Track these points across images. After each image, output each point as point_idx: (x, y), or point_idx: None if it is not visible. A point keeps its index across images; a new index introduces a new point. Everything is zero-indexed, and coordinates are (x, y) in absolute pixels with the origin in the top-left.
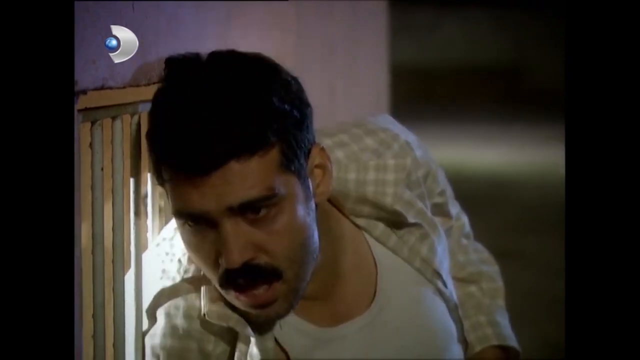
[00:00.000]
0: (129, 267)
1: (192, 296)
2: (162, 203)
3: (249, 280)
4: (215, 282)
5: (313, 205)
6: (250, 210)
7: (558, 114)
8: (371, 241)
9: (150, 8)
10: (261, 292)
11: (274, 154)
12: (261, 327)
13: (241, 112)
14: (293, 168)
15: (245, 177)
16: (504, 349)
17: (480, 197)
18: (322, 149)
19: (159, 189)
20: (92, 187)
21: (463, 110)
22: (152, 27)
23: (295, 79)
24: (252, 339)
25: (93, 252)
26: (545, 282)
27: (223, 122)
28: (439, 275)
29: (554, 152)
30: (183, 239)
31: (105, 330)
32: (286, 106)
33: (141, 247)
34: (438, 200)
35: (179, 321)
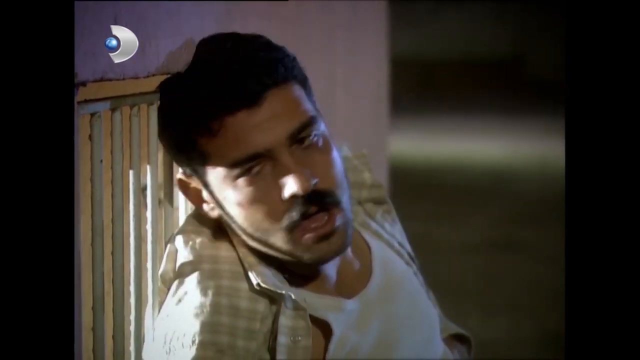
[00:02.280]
0: (129, 259)
1: (234, 276)
2: (162, 195)
3: (314, 207)
4: (282, 229)
5: None
6: (303, 138)
7: (558, 105)
8: (357, 227)
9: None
10: (324, 221)
11: (300, 87)
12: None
13: (269, 55)
14: (314, 102)
15: (289, 104)
16: (458, 338)
17: (480, 188)
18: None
19: (159, 180)
20: (92, 179)
21: (463, 101)
22: (152, 20)
23: None
24: (290, 312)
25: (92, 244)
26: (545, 273)
27: (256, 61)
28: (412, 259)
29: (554, 143)
30: (237, 199)
31: (105, 322)
32: (297, 62)
33: (141, 238)
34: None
35: (225, 300)
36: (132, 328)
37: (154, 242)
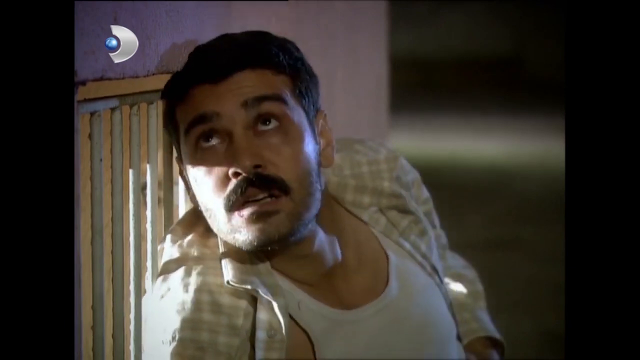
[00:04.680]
0: (129, 257)
1: (218, 273)
2: (161, 194)
3: (257, 191)
4: (221, 207)
5: (319, 152)
6: (262, 118)
7: (558, 103)
8: (379, 235)
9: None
10: (266, 201)
11: (286, 79)
12: (279, 305)
13: (259, 40)
14: (303, 104)
15: (258, 81)
16: (490, 341)
17: (480, 186)
18: (325, 116)
19: (159, 179)
20: (92, 178)
21: (463, 100)
22: (152, 19)
23: None
24: (274, 305)
25: (92, 243)
26: (545, 272)
27: (243, 43)
28: (436, 271)
29: (554, 142)
30: (193, 166)
31: (105, 321)
32: (296, 53)
33: (140, 237)
34: (424, 207)
35: (207, 297)
36: (132, 327)
37: (153, 241)
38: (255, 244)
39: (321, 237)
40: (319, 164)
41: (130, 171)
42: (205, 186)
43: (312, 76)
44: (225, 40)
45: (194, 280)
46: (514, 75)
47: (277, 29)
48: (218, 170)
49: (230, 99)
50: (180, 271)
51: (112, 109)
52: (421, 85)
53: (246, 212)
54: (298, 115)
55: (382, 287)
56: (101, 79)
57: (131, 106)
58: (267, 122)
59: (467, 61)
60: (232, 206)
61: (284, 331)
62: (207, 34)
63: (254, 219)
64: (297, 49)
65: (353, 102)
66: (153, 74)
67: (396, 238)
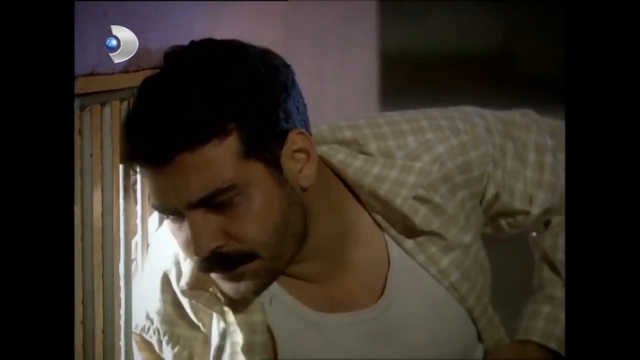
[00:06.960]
0: (119, 253)
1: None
2: None
3: (222, 266)
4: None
5: (289, 190)
6: (213, 201)
7: (552, 100)
8: (389, 240)
9: None
10: (236, 269)
11: (231, 141)
12: (247, 302)
13: (193, 103)
14: (258, 154)
15: (201, 169)
16: (543, 349)
17: None
18: (302, 133)
19: None
20: (81, 173)
21: (455, 97)
22: (142, 14)
23: (269, 66)
24: (238, 313)
25: (82, 238)
26: None
27: (175, 113)
28: (455, 289)
29: None
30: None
31: (95, 316)
32: (247, 91)
33: (130, 233)
34: (494, 207)
35: (170, 290)
36: (122, 322)
37: (143, 236)
38: (234, 299)
39: (317, 240)
40: (294, 199)
41: (121, 167)
42: (178, 240)
43: (272, 101)
44: (156, 113)
45: (160, 265)
46: (506, 71)
47: (268, 26)
48: (185, 239)
49: (176, 196)
50: (155, 255)
51: (102, 104)
52: (412, 81)
53: (218, 274)
54: (255, 172)
55: (377, 295)
56: (91, 74)
57: (121, 101)
58: (218, 201)
59: (459, 57)
60: (203, 270)
61: (237, 332)
62: (198, 29)
63: (226, 279)
64: (245, 69)
65: (343, 98)
66: (143, 70)
67: (409, 247)
